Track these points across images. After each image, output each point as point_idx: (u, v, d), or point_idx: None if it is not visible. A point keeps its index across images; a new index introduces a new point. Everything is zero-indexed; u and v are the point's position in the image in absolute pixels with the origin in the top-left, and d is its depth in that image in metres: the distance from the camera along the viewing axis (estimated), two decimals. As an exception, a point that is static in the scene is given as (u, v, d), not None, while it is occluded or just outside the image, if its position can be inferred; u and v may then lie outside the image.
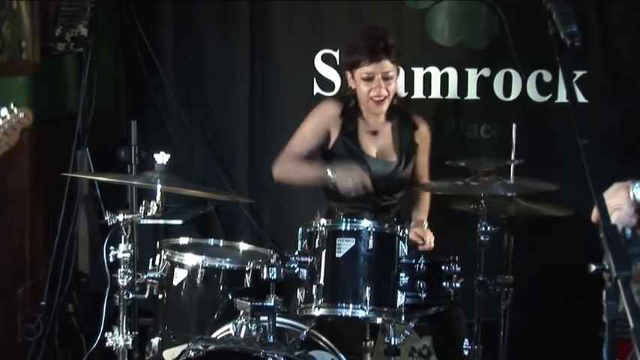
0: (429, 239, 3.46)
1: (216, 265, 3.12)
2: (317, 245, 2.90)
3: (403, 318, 2.88)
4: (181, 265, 3.14)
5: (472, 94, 4.51)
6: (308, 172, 3.46)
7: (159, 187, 2.95)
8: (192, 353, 2.66)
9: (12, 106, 2.62)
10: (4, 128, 2.58)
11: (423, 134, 3.62)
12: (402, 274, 2.90)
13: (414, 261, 2.93)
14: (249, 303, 2.80)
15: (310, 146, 3.49)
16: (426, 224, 3.56)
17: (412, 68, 4.47)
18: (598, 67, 4.37)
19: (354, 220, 2.92)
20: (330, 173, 3.34)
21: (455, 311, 3.31)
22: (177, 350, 2.94)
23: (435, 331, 3.60)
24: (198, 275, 3.08)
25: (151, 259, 3.21)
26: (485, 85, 4.48)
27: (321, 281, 2.85)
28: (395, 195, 3.56)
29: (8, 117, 2.59)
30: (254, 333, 2.77)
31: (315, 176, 3.42)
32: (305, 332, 2.97)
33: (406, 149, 3.55)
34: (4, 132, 2.58)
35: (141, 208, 2.98)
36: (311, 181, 3.48)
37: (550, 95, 4.44)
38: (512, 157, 3.48)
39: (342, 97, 3.58)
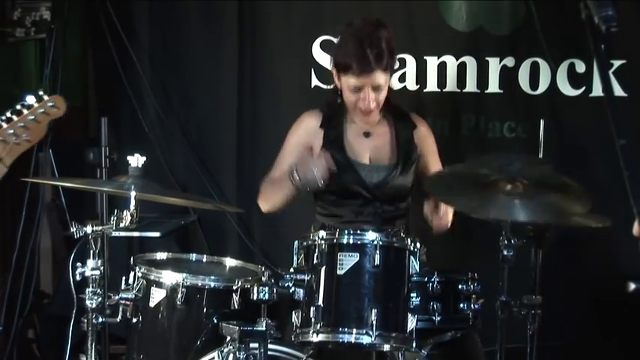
0: (444, 208, 3.33)
1: (199, 284, 3.12)
2: (315, 261, 2.90)
3: (414, 345, 2.88)
4: (159, 284, 3.14)
5: (494, 86, 4.52)
6: (279, 185, 3.39)
7: (133, 194, 2.95)
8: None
9: (41, 92, 2.49)
10: (26, 121, 2.41)
11: (424, 134, 3.61)
12: (413, 294, 2.90)
13: (426, 279, 2.93)
14: (237, 327, 2.81)
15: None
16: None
17: (425, 57, 4.48)
18: (639, 55, 4.37)
19: (358, 231, 2.92)
20: (294, 173, 3.25)
21: (474, 337, 3.31)
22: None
23: (451, 359, 3.60)
24: (179, 296, 3.08)
25: (123, 278, 3.20)
26: (508, 76, 4.49)
27: (320, 302, 2.85)
28: (398, 204, 3.55)
29: (35, 106, 2.45)
30: (243, 362, 2.76)
31: (287, 183, 3.30)
32: (301, 361, 2.97)
33: (404, 150, 3.54)
34: (24, 125, 2.42)
35: (112, 218, 2.99)
36: (288, 192, 3.36)
37: (583, 88, 4.45)
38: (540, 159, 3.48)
39: (327, 103, 3.57)
